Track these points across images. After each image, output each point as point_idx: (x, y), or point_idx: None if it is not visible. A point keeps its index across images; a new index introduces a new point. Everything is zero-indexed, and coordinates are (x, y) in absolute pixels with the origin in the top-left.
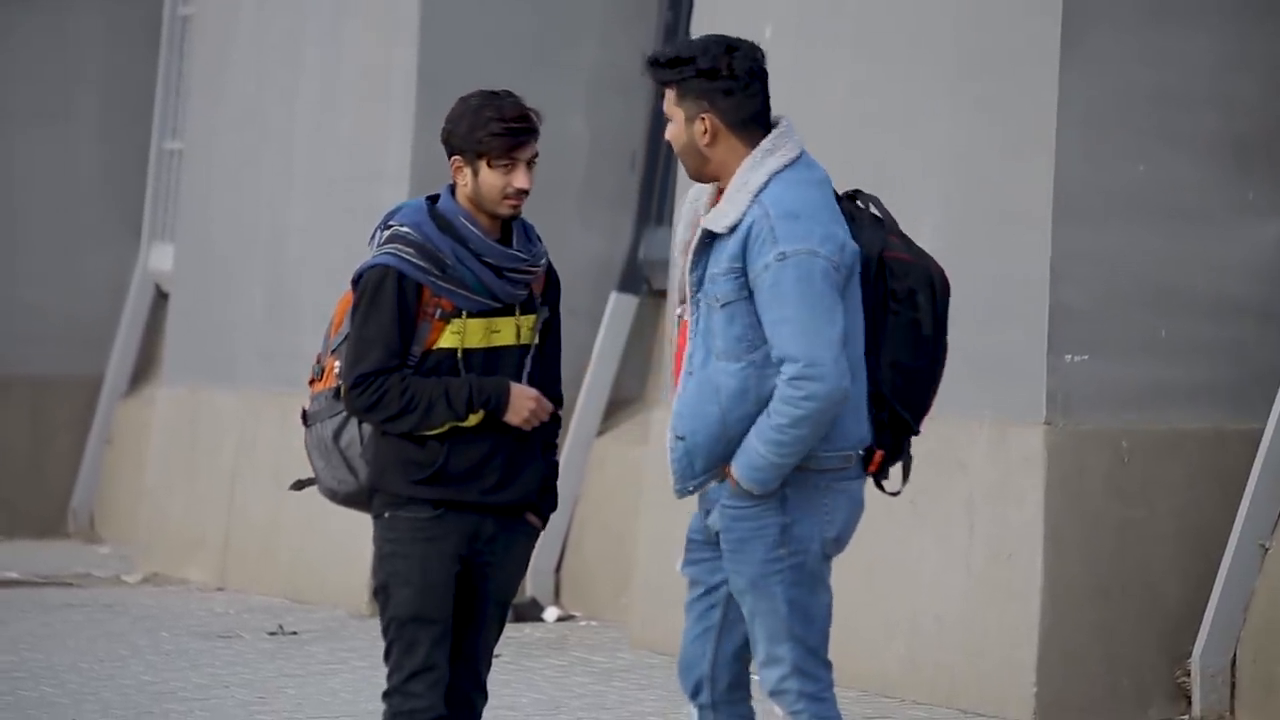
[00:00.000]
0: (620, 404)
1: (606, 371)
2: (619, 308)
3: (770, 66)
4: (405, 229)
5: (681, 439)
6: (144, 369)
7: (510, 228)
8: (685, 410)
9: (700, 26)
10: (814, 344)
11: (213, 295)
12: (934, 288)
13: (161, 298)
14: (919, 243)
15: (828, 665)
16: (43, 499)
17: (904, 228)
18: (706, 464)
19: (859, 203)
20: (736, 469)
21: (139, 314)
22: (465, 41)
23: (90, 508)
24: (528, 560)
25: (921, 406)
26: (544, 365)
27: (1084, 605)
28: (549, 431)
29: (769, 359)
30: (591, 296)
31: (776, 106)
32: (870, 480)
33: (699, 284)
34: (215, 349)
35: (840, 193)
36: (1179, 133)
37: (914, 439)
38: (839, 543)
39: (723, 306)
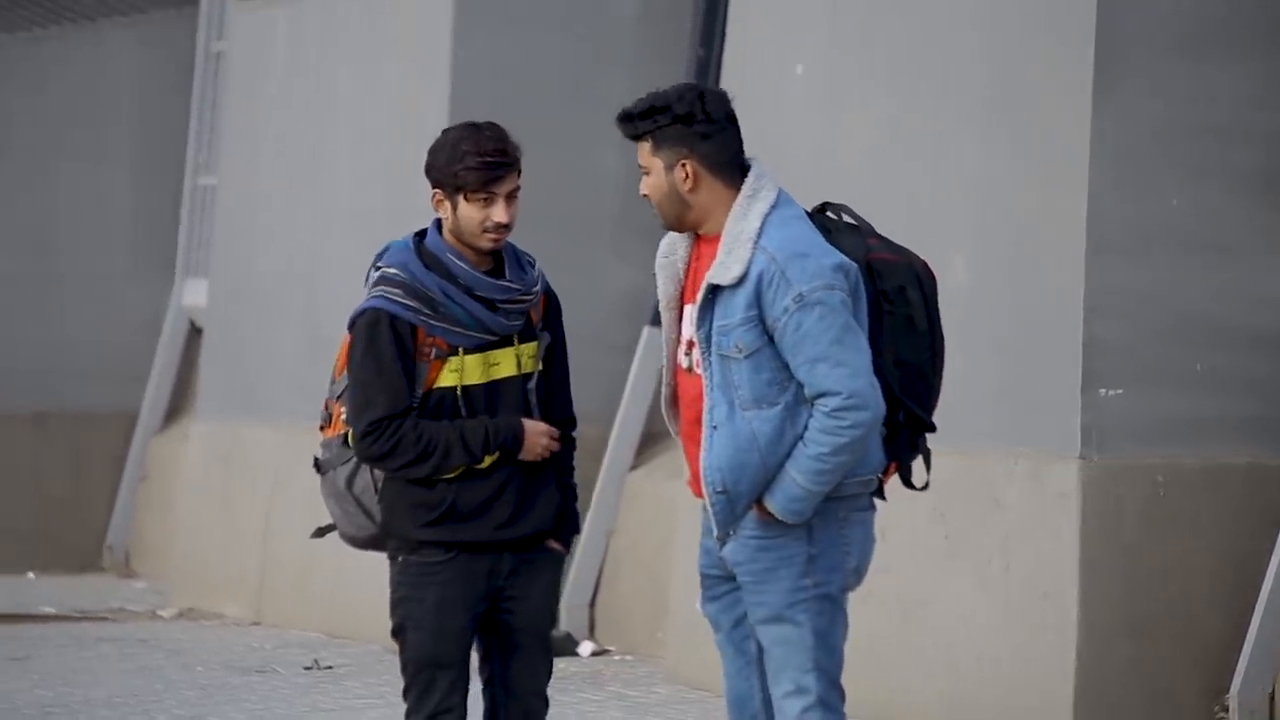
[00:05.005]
0: (654, 438)
1: (640, 406)
2: (652, 342)
3: (801, 102)
4: (392, 270)
5: (723, 493)
6: (178, 404)
7: (501, 258)
8: (723, 464)
9: (732, 62)
10: (851, 376)
11: (246, 331)
12: (921, 281)
13: (196, 333)
14: (951, 276)
15: (844, 697)
16: (79, 534)
17: (936, 262)
18: (747, 507)
19: (830, 214)
20: (773, 502)
21: (173, 349)
22: (497, 76)
23: (126, 542)
24: (557, 587)
25: (929, 400)
26: (552, 390)
27: (1121, 641)
28: (563, 456)
29: (799, 398)
30: (625, 330)
31: (806, 142)
32: (898, 485)
33: (707, 339)
34: (249, 384)
35: (809, 209)
36: (1212, 166)
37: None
38: (858, 574)
39: (747, 357)
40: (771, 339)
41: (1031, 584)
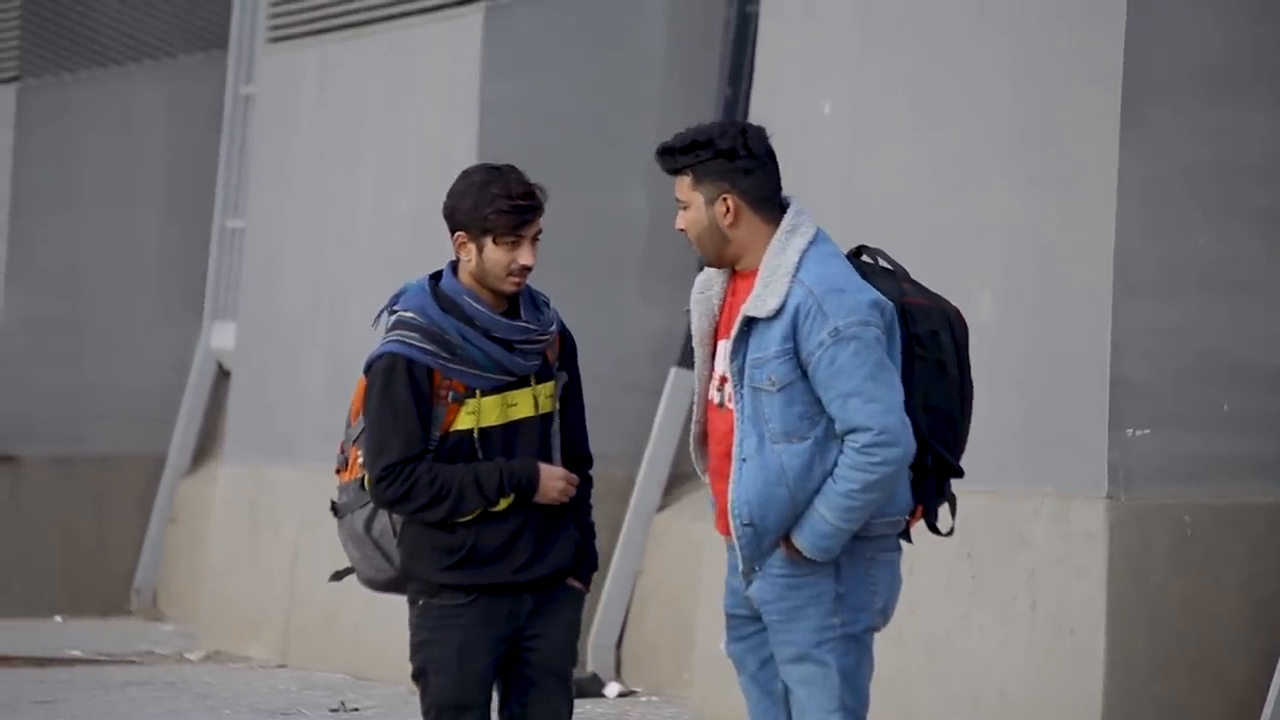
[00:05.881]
0: (681, 479)
1: (667, 447)
2: (679, 383)
3: (828, 142)
4: (409, 314)
5: (750, 525)
6: (206, 447)
7: (516, 298)
8: (751, 497)
9: (759, 102)
10: (883, 412)
11: (274, 373)
12: (953, 327)
13: (223, 376)
14: (978, 313)
15: None
16: (106, 577)
17: (963, 300)
18: (774, 543)
19: (865, 257)
20: (801, 539)
21: (201, 392)
22: (525, 117)
23: (153, 585)
24: (577, 626)
25: (956, 446)
26: (569, 428)
27: (1147, 680)
28: (580, 494)
29: (829, 433)
30: (651, 371)
31: (834, 181)
32: (924, 526)
33: (740, 372)
34: (277, 427)
35: (846, 252)
36: (1239, 206)
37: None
38: (885, 614)
39: (780, 390)
40: (805, 373)
41: (1058, 623)
